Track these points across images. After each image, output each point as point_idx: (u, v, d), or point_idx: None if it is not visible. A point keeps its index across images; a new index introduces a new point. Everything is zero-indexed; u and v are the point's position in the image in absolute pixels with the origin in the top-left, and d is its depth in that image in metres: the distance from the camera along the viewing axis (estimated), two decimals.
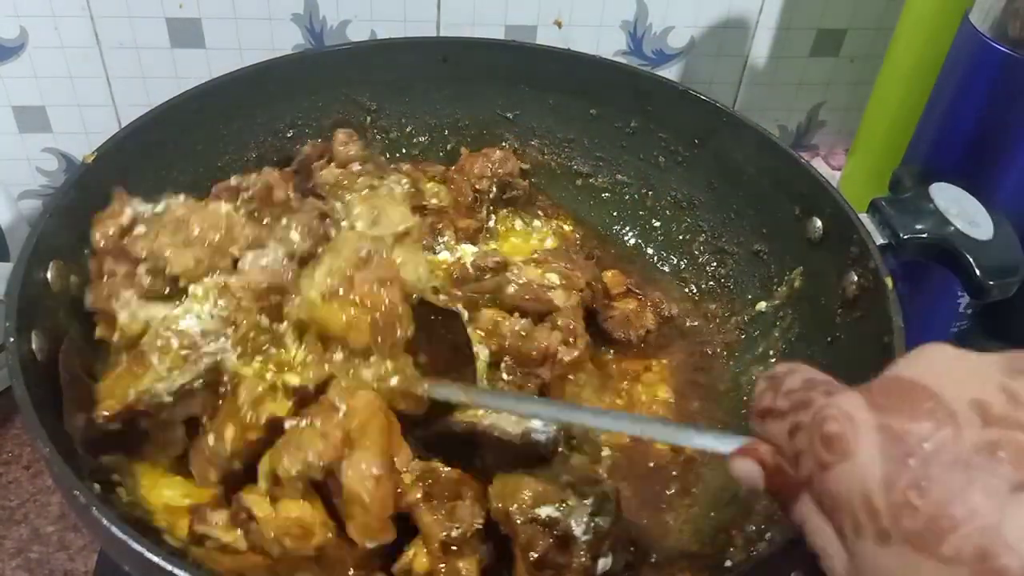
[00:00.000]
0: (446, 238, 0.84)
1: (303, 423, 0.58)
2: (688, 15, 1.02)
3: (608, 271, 0.87)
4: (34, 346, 0.61)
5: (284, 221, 0.64)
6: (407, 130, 0.94)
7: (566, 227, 0.93)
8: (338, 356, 0.60)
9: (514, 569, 0.59)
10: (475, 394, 0.62)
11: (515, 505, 0.58)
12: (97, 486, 0.57)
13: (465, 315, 0.73)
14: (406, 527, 0.59)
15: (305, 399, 0.60)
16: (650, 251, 0.92)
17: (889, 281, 0.68)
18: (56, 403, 0.60)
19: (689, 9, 1.01)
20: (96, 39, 0.96)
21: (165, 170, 0.80)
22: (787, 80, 1.09)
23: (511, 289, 0.76)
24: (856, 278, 0.71)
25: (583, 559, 0.57)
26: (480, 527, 0.59)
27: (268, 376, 0.60)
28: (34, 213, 1.04)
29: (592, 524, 0.58)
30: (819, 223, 0.76)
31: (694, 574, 0.64)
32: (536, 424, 0.65)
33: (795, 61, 1.07)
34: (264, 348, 0.61)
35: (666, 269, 0.90)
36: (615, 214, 0.93)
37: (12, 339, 0.59)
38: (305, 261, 0.63)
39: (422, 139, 0.95)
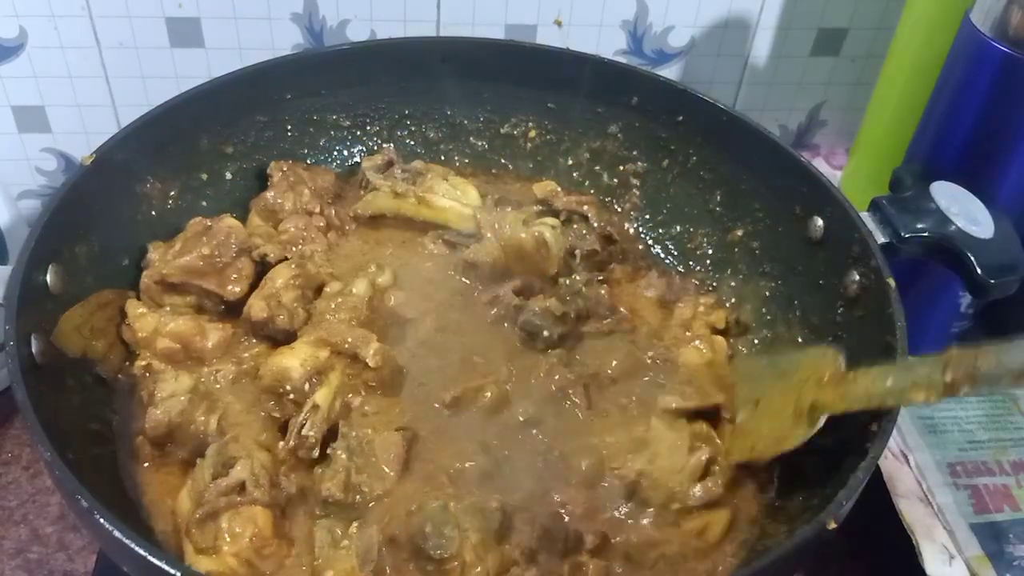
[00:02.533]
0: None
1: None
2: (688, 15, 1.02)
3: None
4: (34, 349, 0.61)
5: None
6: (407, 130, 0.94)
7: None
8: None
9: None
10: None
11: None
12: None
13: None
14: None
15: None
16: (653, 251, 0.92)
17: (891, 280, 0.68)
18: (56, 405, 0.60)
19: (689, 8, 1.01)
20: (95, 39, 0.96)
21: (165, 171, 0.81)
22: (787, 80, 1.09)
23: None
24: (857, 277, 0.71)
25: None
26: None
27: None
28: (33, 213, 1.03)
29: None
30: (820, 222, 0.76)
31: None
32: None
33: (795, 61, 1.07)
34: None
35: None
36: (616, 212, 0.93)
37: (12, 343, 0.59)
38: None
39: (421, 138, 0.95)
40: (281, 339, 0.74)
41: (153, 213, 0.80)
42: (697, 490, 0.65)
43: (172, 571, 0.49)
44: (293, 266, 0.76)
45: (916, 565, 0.72)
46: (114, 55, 0.98)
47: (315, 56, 0.91)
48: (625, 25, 1.02)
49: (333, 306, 0.75)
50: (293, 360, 0.69)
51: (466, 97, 0.93)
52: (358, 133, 0.93)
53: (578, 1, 1.00)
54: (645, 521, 0.65)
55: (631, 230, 0.91)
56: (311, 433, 0.66)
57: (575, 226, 0.85)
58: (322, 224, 0.84)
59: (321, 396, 0.68)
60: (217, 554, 0.60)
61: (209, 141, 0.84)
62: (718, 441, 0.69)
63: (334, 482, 0.64)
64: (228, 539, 0.60)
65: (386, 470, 0.66)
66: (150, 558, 0.50)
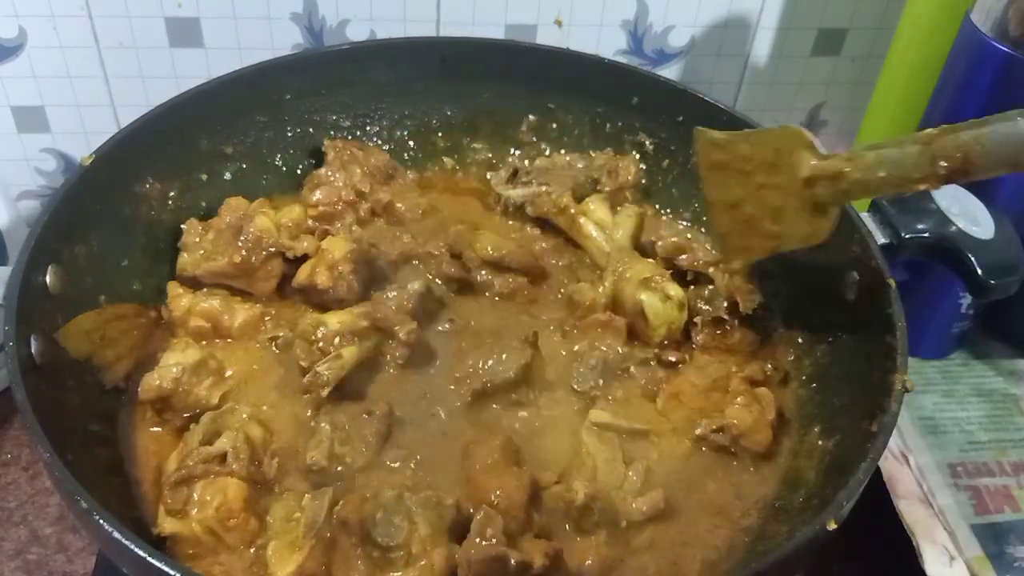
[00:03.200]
0: None
1: None
2: (689, 14, 1.02)
3: None
4: (34, 350, 0.61)
5: None
6: (407, 130, 0.94)
7: None
8: None
9: None
10: None
11: None
12: None
13: None
14: None
15: None
16: None
17: (891, 281, 0.68)
18: (55, 405, 0.60)
19: (690, 8, 1.01)
20: (95, 39, 0.96)
21: (165, 171, 0.80)
22: (788, 80, 1.09)
23: None
24: (857, 277, 0.71)
25: None
26: None
27: None
28: (33, 214, 1.03)
29: None
30: None
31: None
32: None
33: (796, 61, 1.07)
34: None
35: None
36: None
37: (11, 343, 0.59)
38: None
39: (421, 139, 0.95)
40: (330, 308, 0.76)
41: (153, 213, 0.79)
42: (642, 505, 0.64)
43: (172, 572, 0.49)
44: (351, 240, 0.79)
45: (916, 566, 0.72)
46: (113, 55, 0.98)
47: (315, 56, 0.90)
48: (625, 25, 1.02)
49: (388, 294, 0.78)
50: (333, 317, 0.72)
51: (466, 97, 0.93)
52: (358, 133, 0.93)
53: (578, 1, 1.00)
54: (596, 541, 0.63)
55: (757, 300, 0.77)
56: (327, 374, 0.68)
57: (704, 290, 0.78)
58: (366, 209, 0.86)
59: (348, 351, 0.70)
60: (184, 518, 0.61)
61: (209, 141, 0.84)
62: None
63: (318, 450, 0.65)
64: (197, 505, 0.61)
65: (363, 447, 0.67)
66: (149, 559, 0.50)
